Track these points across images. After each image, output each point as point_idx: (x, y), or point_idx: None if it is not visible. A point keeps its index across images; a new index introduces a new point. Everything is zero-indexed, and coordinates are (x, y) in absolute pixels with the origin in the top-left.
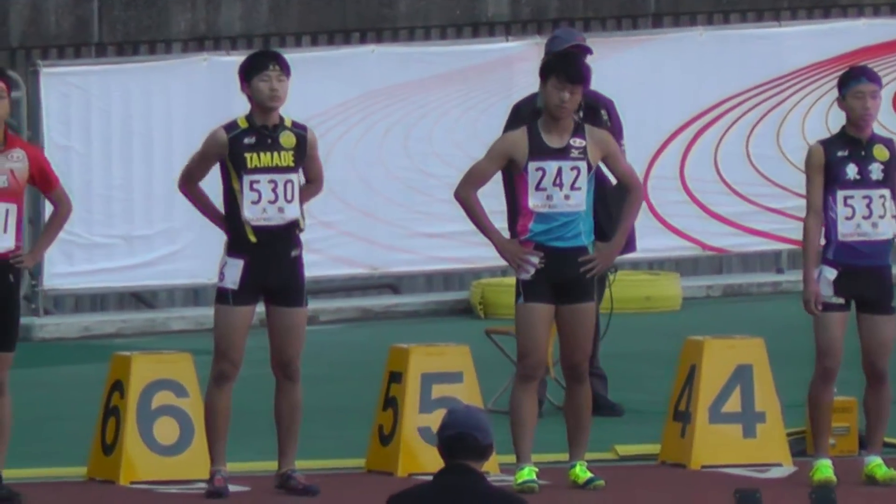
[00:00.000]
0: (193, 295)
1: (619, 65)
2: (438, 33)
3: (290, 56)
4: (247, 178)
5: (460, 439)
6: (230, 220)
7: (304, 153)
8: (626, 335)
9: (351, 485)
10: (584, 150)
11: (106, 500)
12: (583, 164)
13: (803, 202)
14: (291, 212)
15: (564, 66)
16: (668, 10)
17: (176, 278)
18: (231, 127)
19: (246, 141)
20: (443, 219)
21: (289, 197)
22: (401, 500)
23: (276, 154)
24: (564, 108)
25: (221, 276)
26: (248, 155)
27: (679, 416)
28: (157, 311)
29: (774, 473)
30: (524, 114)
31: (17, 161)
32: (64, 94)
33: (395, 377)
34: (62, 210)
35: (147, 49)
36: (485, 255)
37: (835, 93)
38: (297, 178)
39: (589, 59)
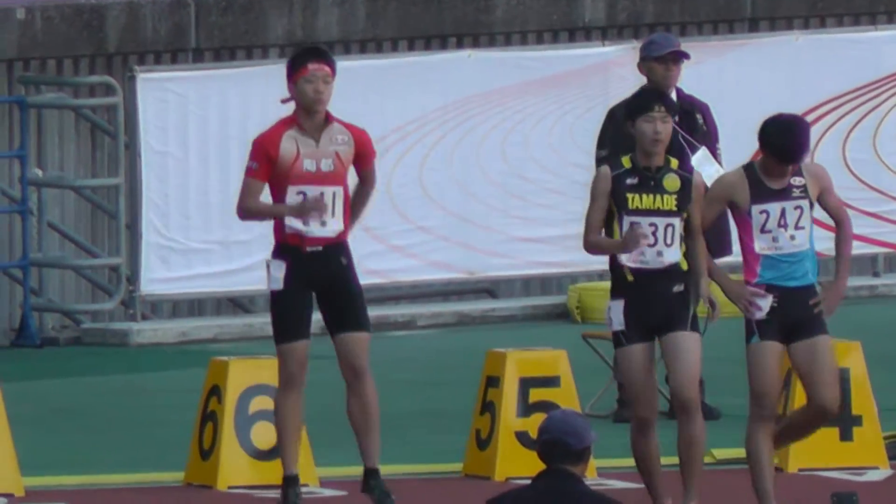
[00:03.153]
0: None
1: (715, 69)
2: (535, 38)
3: (387, 61)
4: (626, 220)
5: (554, 444)
6: (611, 261)
7: (688, 197)
8: (723, 339)
9: (449, 489)
10: (804, 189)
11: None
12: (805, 203)
13: None
14: (671, 256)
15: (783, 152)
16: (764, 14)
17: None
18: (615, 165)
19: (629, 181)
20: (540, 223)
21: (668, 241)
22: None
23: (658, 197)
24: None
25: (609, 321)
26: (629, 196)
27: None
28: (254, 315)
29: (871, 477)
30: (620, 117)
31: (343, 144)
32: (161, 99)
33: (493, 381)
34: (369, 188)
35: (244, 55)
36: (581, 259)
37: None
38: (679, 222)
39: (685, 64)
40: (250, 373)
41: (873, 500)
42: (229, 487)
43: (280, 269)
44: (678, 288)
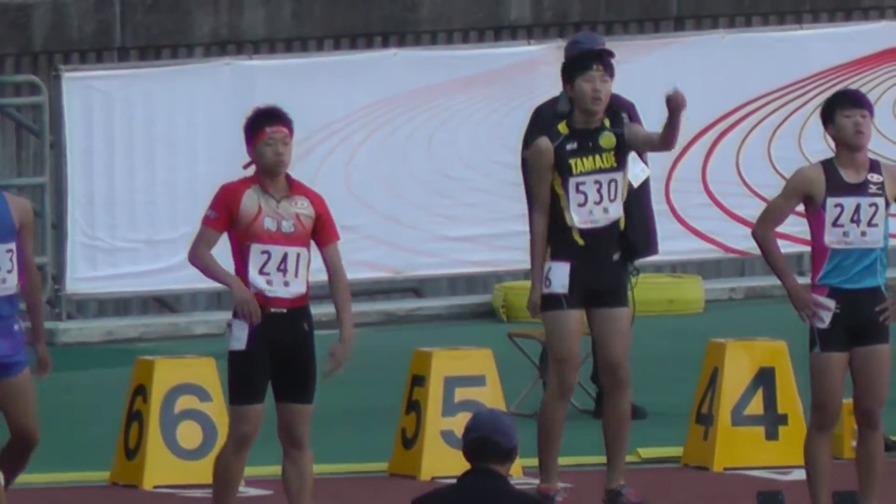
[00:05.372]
0: (217, 299)
1: (641, 68)
2: (461, 37)
3: (313, 60)
4: (572, 181)
5: (482, 442)
6: (555, 226)
7: (626, 153)
8: (649, 338)
9: (374, 488)
10: (881, 186)
11: None
12: (880, 201)
13: None
14: (615, 211)
15: (846, 95)
16: (690, 13)
17: (199, 282)
18: (552, 135)
19: (569, 147)
20: (465, 222)
21: (612, 196)
22: (424, 503)
23: (598, 157)
24: (861, 133)
25: (547, 281)
26: (572, 161)
27: (702, 418)
28: (179, 315)
29: (797, 476)
30: (545, 117)
31: (304, 208)
32: (86, 98)
33: (418, 380)
34: (339, 277)
35: (169, 53)
36: (507, 258)
37: None
38: (622, 177)
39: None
40: (176, 372)
41: (799, 498)
42: (155, 487)
43: (243, 330)
44: (617, 256)
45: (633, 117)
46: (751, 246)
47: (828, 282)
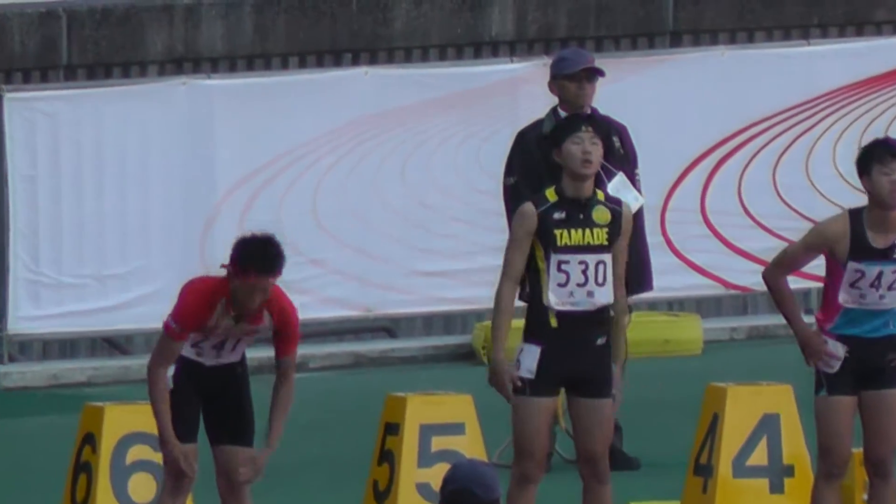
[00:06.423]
0: None
1: (634, 88)
2: (437, 54)
3: (276, 79)
4: (554, 258)
5: (460, 495)
6: (531, 302)
7: (619, 230)
8: (643, 381)
9: None
10: None
11: None
12: None
13: None
14: (602, 297)
15: (886, 147)
16: (687, 27)
17: (152, 322)
18: (539, 201)
19: (556, 216)
20: (443, 256)
21: (600, 280)
22: None
23: (587, 231)
24: None
25: (517, 363)
26: (558, 232)
27: (700, 469)
28: (131, 357)
29: None
30: (529, 141)
31: (260, 326)
32: (30, 120)
33: (392, 428)
34: (286, 388)
35: (120, 72)
36: (488, 294)
37: (869, 117)
38: (610, 258)
39: (601, 82)
40: (128, 419)
41: None
42: None
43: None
44: (601, 340)
45: (626, 141)
46: (754, 282)
47: (839, 332)
